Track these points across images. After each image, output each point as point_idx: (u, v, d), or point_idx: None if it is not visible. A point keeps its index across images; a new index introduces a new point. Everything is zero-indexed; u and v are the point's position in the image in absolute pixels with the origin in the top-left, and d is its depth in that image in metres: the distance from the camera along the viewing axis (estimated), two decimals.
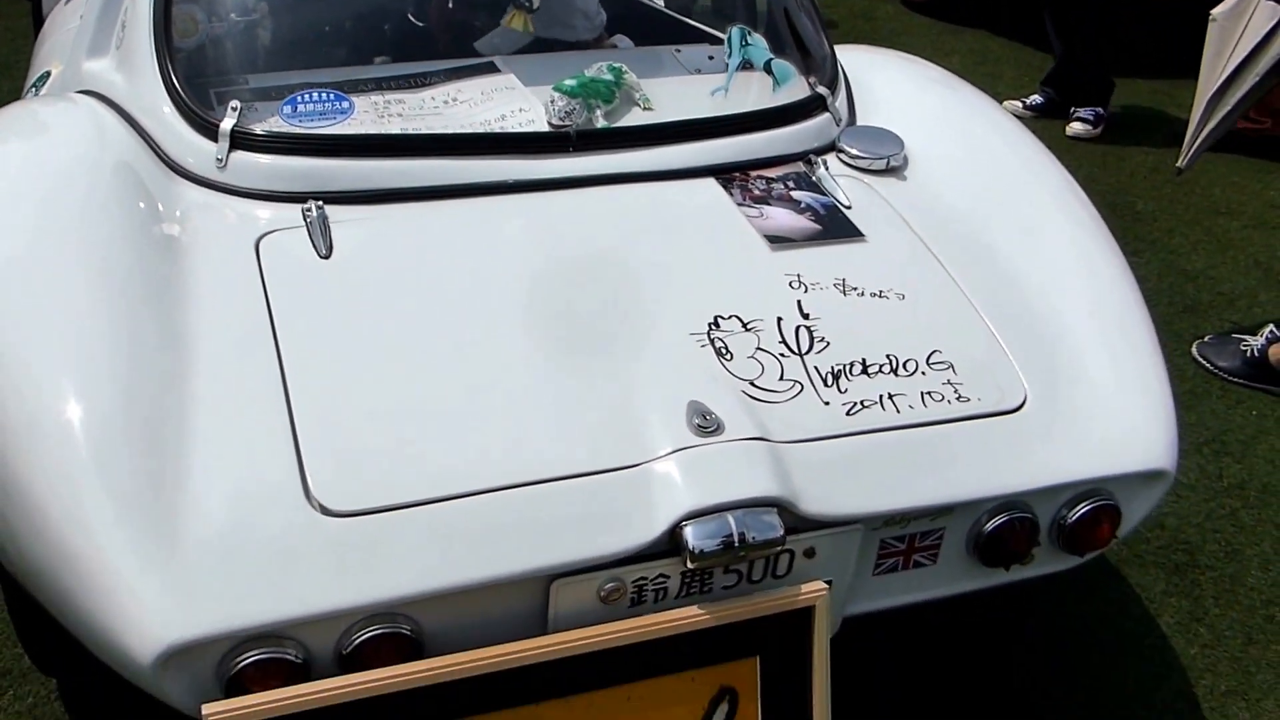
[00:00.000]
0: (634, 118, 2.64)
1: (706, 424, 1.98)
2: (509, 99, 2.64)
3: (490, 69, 2.76)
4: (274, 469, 1.87)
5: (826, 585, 2.01)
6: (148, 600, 1.75)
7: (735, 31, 2.85)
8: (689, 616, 1.93)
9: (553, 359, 2.09)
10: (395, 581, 1.80)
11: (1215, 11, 4.01)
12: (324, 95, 2.46)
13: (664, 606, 1.97)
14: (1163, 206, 5.24)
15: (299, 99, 2.44)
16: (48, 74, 3.37)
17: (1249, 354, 4.00)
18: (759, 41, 2.83)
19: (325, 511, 1.83)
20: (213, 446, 1.90)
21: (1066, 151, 5.59)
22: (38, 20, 4.62)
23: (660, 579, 1.95)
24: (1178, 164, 4.31)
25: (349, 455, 1.91)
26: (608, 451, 1.95)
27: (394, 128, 2.50)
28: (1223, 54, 4.00)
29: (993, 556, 2.16)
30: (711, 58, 3.02)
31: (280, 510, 1.83)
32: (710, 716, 1.98)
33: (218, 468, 1.87)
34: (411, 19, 3.11)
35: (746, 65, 2.83)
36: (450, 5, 3.14)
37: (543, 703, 1.88)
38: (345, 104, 2.46)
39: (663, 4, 3.47)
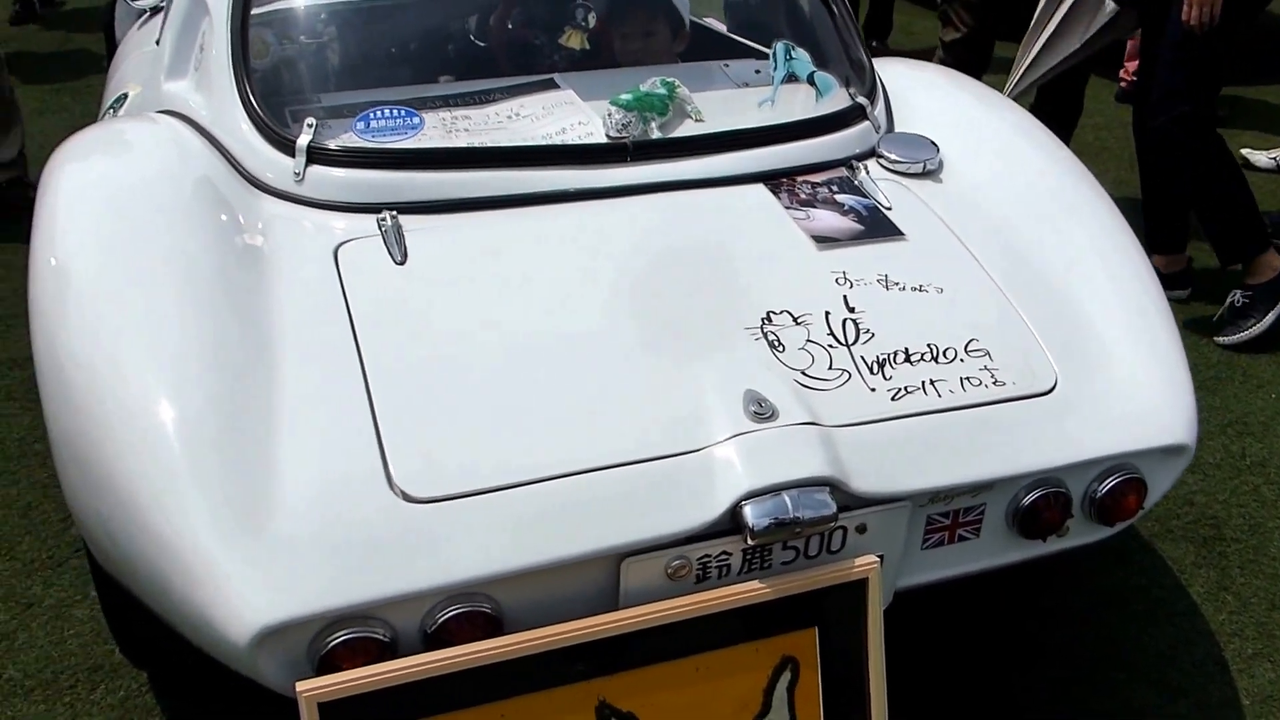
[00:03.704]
0: (686, 129, 2.65)
1: (762, 410, 2.00)
2: (568, 113, 2.66)
3: (550, 85, 2.78)
4: (358, 459, 1.90)
5: (878, 559, 2.03)
6: (242, 584, 1.78)
7: (780, 46, 2.87)
8: (751, 590, 1.95)
9: (618, 353, 2.11)
10: (476, 563, 1.83)
11: None
12: (395, 111, 2.48)
13: (727, 582, 1.99)
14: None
15: (371, 115, 2.46)
16: (125, 95, 3.41)
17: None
18: (802, 55, 2.84)
19: (407, 498, 1.86)
20: (300, 439, 1.93)
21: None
22: (110, 45, 4.68)
23: (723, 556, 1.97)
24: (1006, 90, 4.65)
25: (428, 446, 1.93)
26: (671, 437, 1.98)
27: (461, 142, 2.52)
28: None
29: (1031, 529, 2.18)
30: (758, 71, 3.04)
31: (366, 498, 1.86)
32: (774, 685, 2.00)
33: (305, 459, 1.90)
34: (473, 39, 3.15)
35: (791, 78, 2.84)
36: (510, 26, 3.17)
37: (615, 675, 1.90)
38: (415, 120, 2.49)
39: (721, 25, 3.51)
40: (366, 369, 2.03)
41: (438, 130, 2.53)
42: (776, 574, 2.01)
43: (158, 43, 3.35)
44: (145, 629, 2.33)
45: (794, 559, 2.03)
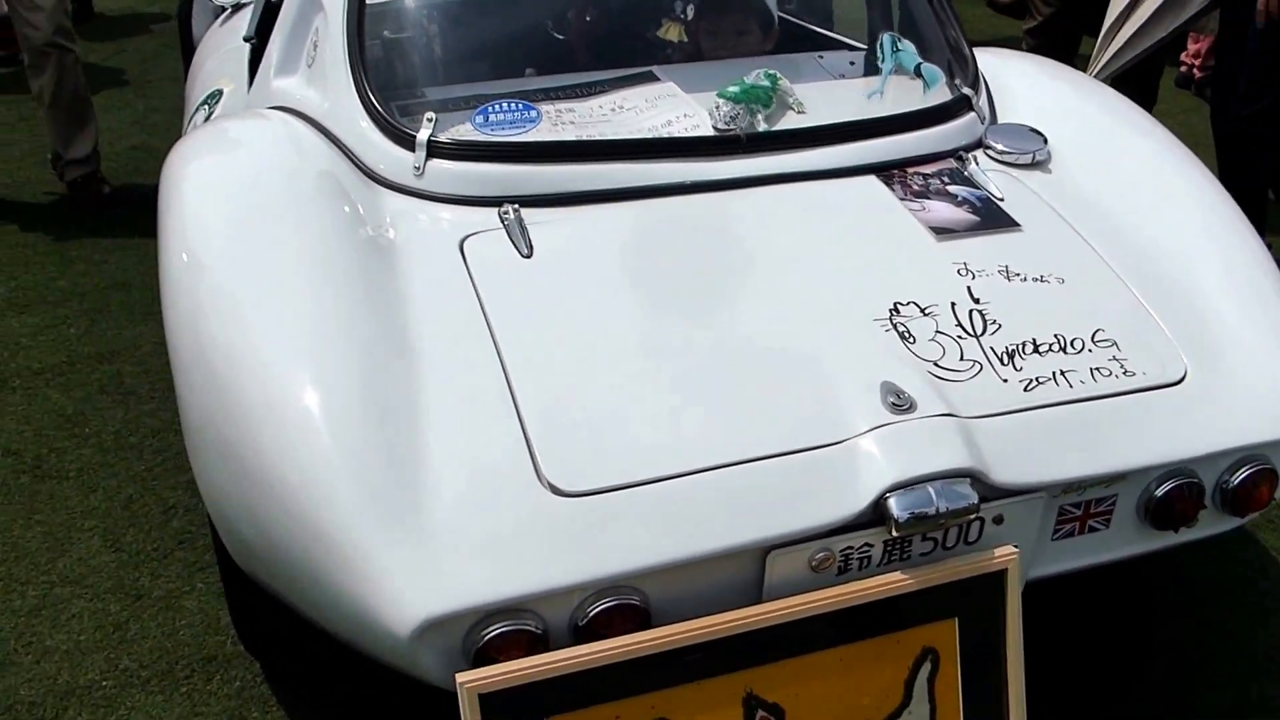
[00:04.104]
0: (789, 121, 2.64)
1: (900, 402, 1.99)
2: (673, 105, 2.65)
3: (650, 78, 2.77)
4: (505, 452, 1.90)
5: (1016, 549, 2.02)
6: (403, 576, 1.77)
7: (886, 38, 2.85)
8: (894, 581, 1.94)
9: (750, 344, 2.11)
10: (628, 556, 1.82)
11: None
12: (513, 105, 2.48)
13: (867, 574, 1.98)
14: None
15: (490, 109, 2.46)
16: (219, 92, 3.41)
17: None
18: (908, 47, 2.82)
19: (556, 491, 1.86)
20: (445, 430, 1.92)
21: None
22: (186, 42, 4.68)
23: (865, 547, 1.96)
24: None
25: (573, 439, 1.93)
26: (812, 429, 1.97)
27: (569, 135, 2.51)
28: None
29: (1163, 520, 2.16)
30: (853, 63, 3.04)
31: (515, 491, 1.86)
32: (914, 676, 1.99)
33: (452, 450, 1.90)
34: (571, 33, 3.14)
35: (897, 69, 2.83)
36: (607, 20, 3.16)
37: (762, 666, 1.89)
38: (533, 113, 2.48)
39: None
40: (504, 361, 2.03)
41: (545, 123, 2.52)
42: (915, 565, 1.99)
43: (246, 39, 3.35)
44: (267, 619, 2.35)
45: (932, 550, 2.02)
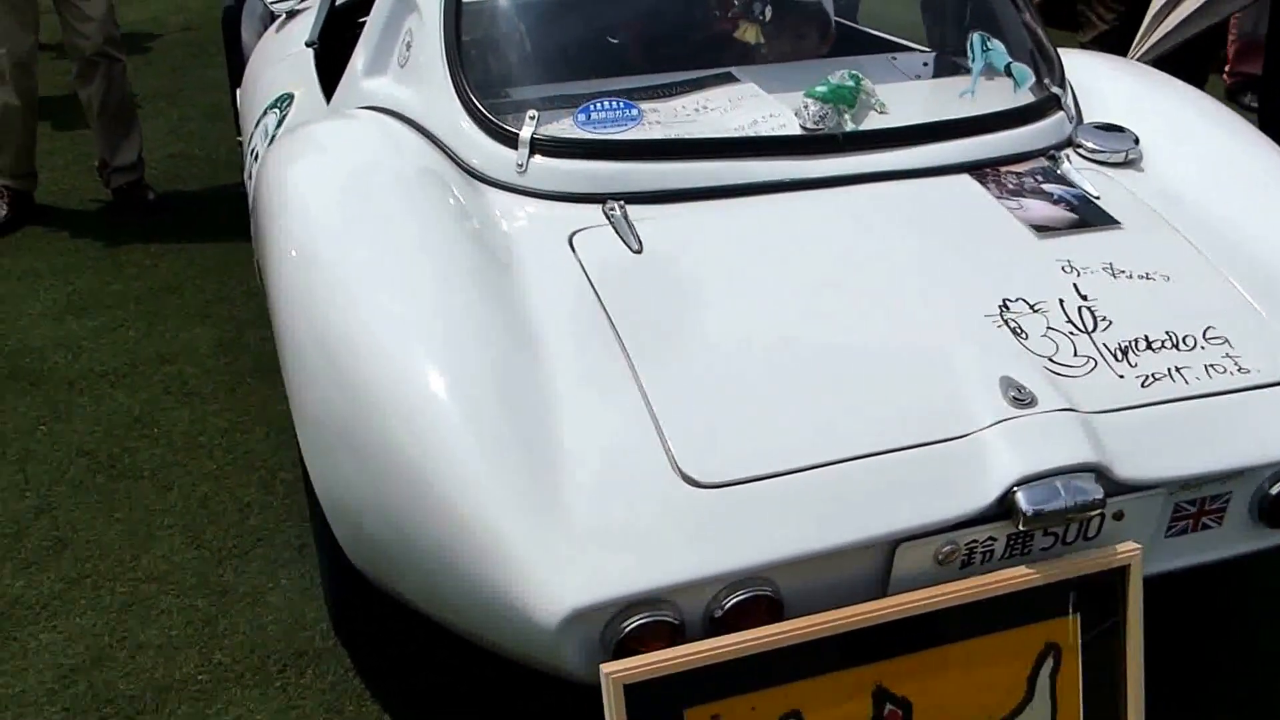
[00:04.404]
0: (873, 121, 2.63)
1: (1021, 397, 1.98)
2: (756, 106, 2.64)
3: (730, 79, 2.76)
4: (639, 443, 1.88)
5: (1139, 546, 2.01)
6: (548, 566, 1.76)
7: (976, 37, 2.83)
8: (1021, 575, 1.93)
9: (869, 339, 2.10)
10: (765, 548, 1.81)
11: None
12: (614, 103, 2.47)
13: (990, 568, 1.96)
14: None
15: (591, 107, 2.45)
16: (289, 96, 3.40)
17: None
18: (997, 46, 2.81)
19: (691, 483, 1.84)
20: (576, 421, 1.91)
21: None
22: (231, 50, 4.67)
23: (989, 541, 1.95)
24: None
25: (704, 431, 1.91)
26: (936, 423, 1.96)
27: (656, 133, 2.50)
28: None
29: (1275, 518, 2.15)
30: (926, 64, 3.04)
31: (652, 482, 1.84)
32: (1037, 672, 1.97)
33: (586, 441, 1.89)
34: (648, 34, 3.12)
35: (986, 68, 2.82)
36: (666, 22, 3.14)
37: (890, 660, 1.88)
38: (634, 111, 2.47)
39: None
40: (630, 354, 2.01)
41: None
42: (1036, 560, 1.98)
43: (308, 43, 3.36)
44: (361, 615, 2.33)
45: (1052, 545, 2.01)
